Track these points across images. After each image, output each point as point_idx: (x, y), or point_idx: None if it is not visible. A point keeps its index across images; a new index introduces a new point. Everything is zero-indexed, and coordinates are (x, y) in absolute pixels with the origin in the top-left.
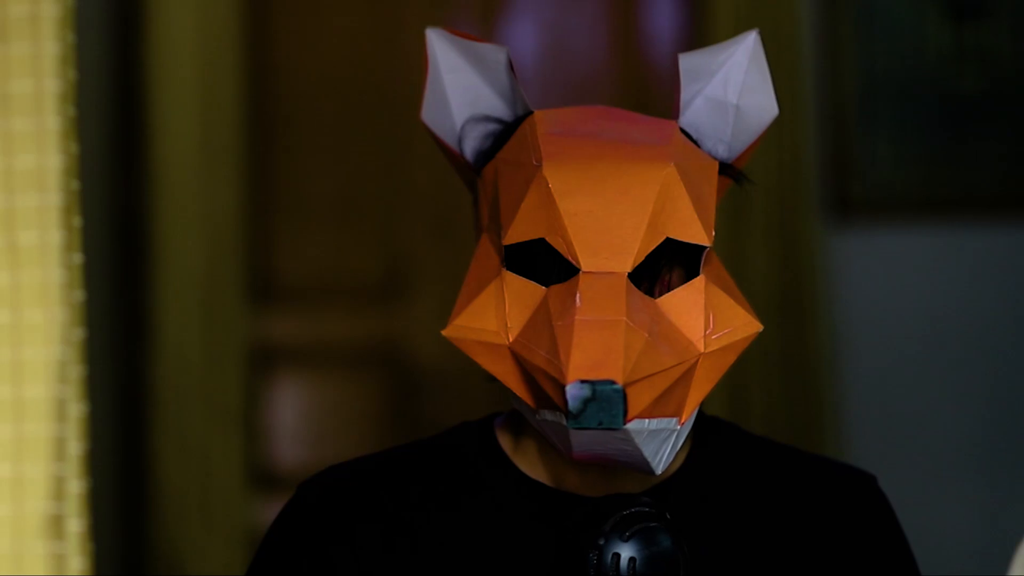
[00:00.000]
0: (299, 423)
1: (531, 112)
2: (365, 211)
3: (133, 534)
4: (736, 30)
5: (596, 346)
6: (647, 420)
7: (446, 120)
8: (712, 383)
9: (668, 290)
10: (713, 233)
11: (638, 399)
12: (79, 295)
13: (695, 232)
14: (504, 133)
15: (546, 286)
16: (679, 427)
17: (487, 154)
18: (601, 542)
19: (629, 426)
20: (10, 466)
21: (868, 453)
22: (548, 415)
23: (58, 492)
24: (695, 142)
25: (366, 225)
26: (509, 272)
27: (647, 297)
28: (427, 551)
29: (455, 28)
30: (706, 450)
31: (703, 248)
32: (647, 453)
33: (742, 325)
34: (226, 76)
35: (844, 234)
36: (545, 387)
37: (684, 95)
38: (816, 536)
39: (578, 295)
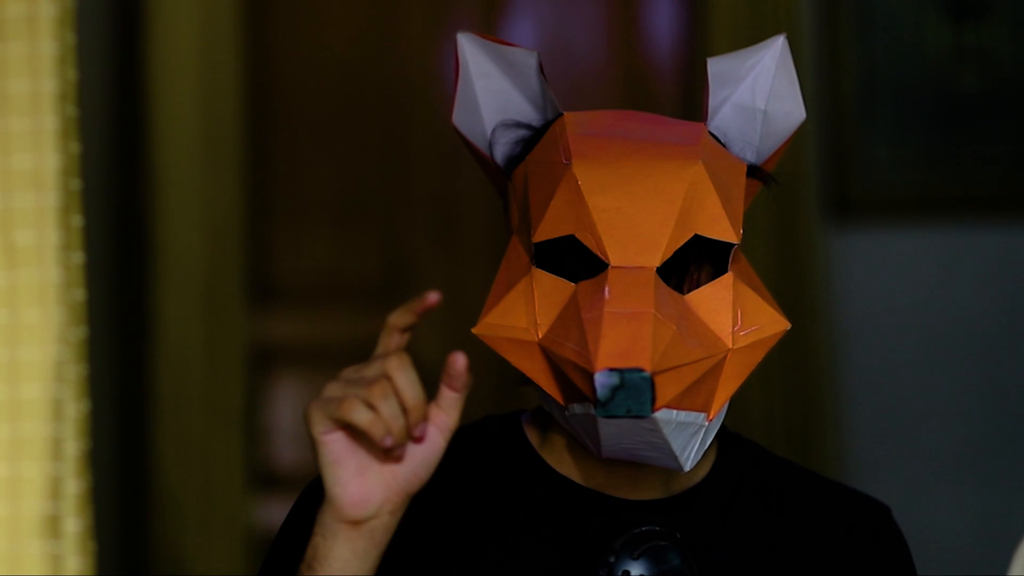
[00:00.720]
0: (299, 423)
1: (561, 114)
2: (365, 211)
3: (133, 534)
4: (736, 30)
5: (624, 336)
6: (675, 411)
7: (477, 125)
8: (740, 380)
9: (696, 287)
10: (741, 231)
11: (666, 389)
12: (78, 295)
13: (723, 230)
14: (533, 139)
15: (575, 283)
16: (707, 423)
17: (517, 159)
18: (611, 559)
19: (657, 415)
20: (6, 466)
21: (867, 453)
22: (577, 408)
23: (55, 492)
24: (724, 146)
25: (366, 225)
26: (538, 269)
27: (675, 292)
28: (448, 537)
29: (456, 28)
30: (728, 464)
31: (731, 246)
32: (675, 447)
33: (770, 323)
34: (227, 76)
35: (844, 234)
36: (574, 379)
37: (712, 100)
38: (826, 561)
39: (607, 289)
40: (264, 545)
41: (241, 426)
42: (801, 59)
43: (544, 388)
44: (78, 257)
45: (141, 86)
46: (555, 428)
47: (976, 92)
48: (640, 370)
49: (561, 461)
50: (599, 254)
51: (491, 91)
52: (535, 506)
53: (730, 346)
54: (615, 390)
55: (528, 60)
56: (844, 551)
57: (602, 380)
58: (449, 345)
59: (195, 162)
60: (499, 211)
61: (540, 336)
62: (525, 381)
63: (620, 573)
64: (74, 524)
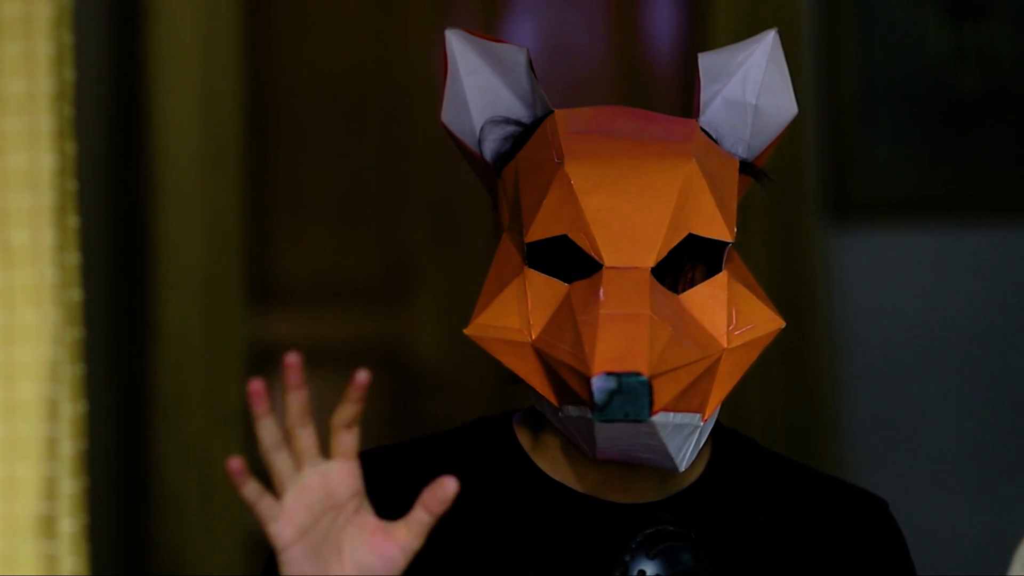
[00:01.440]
0: None
1: (551, 112)
2: (365, 211)
3: (132, 534)
4: (736, 30)
5: (621, 339)
6: (672, 414)
7: (465, 122)
8: (735, 379)
9: (691, 286)
10: (735, 230)
11: (663, 392)
12: (74, 295)
13: (717, 228)
14: (523, 135)
15: (568, 283)
16: (702, 423)
17: (506, 156)
18: (627, 559)
19: (655, 419)
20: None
21: (867, 452)
22: (572, 410)
23: (50, 492)
24: (715, 141)
25: (366, 226)
26: (531, 270)
27: (670, 292)
28: (443, 544)
29: (456, 28)
30: (723, 462)
31: (725, 244)
32: (671, 448)
33: (764, 321)
34: (227, 76)
35: (843, 234)
36: (569, 381)
37: (703, 95)
38: (824, 556)
39: (601, 290)
40: (264, 545)
41: (241, 426)
42: (801, 59)
43: (538, 389)
44: (74, 257)
45: (140, 86)
46: (548, 429)
47: (976, 92)
48: (638, 374)
49: (554, 464)
50: (593, 255)
51: (480, 88)
52: (530, 513)
53: (725, 346)
54: (612, 394)
55: (518, 57)
56: (842, 546)
57: (599, 384)
58: (448, 345)
59: (194, 162)
60: None
61: (534, 337)
62: (516, 380)
63: (636, 573)
64: (70, 524)
